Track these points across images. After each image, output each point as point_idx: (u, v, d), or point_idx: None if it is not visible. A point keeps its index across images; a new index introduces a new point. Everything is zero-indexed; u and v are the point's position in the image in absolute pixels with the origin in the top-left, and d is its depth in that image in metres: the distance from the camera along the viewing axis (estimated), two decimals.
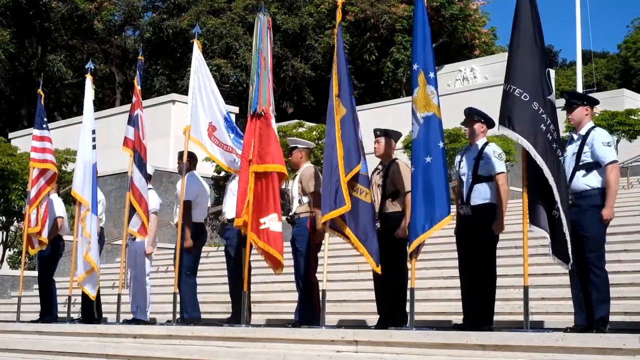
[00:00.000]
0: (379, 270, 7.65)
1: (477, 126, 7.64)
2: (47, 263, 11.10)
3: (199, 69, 9.50)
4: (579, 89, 32.35)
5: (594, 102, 7.29)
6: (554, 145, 6.52)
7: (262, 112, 8.39)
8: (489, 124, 7.69)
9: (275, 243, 8.14)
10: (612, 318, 8.25)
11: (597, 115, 26.43)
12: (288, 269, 11.35)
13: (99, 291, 10.41)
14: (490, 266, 7.51)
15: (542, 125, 6.48)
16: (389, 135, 8.22)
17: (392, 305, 7.98)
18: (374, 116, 29.02)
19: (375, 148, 8.22)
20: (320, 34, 35.38)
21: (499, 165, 7.38)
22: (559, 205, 6.36)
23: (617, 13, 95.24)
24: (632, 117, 25.49)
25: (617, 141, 25.99)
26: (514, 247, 11.26)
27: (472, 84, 30.91)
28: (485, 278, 7.53)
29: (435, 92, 7.23)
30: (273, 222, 8.13)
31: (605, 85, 47.21)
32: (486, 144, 7.59)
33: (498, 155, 7.45)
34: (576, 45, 32.71)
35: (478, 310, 7.38)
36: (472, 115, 7.68)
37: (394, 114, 27.59)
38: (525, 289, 6.54)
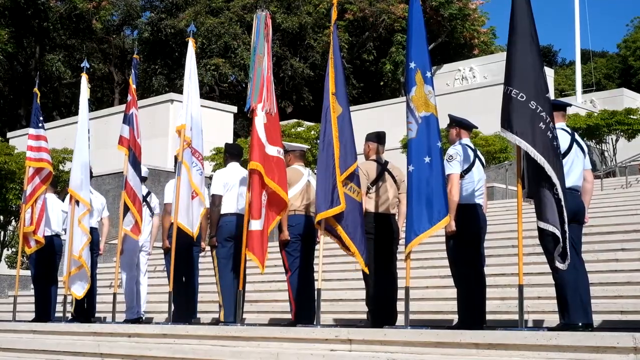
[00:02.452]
0: (367, 269, 7.71)
1: (451, 131, 7.87)
2: (41, 263, 11.10)
3: (194, 68, 9.47)
4: (579, 88, 32.41)
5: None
6: (554, 143, 6.50)
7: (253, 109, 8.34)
8: (463, 127, 7.85)
9: (251, 243, 8.09)
10: (608, 317, 8.26)
11: (596, 114, 26.47)
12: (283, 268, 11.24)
13: (94, 291, 10.47)
14: (455, 265, 7.62)
15: (542, 123, 6.44)
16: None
17: (394, 304, 8.08)
18: (372, 116, 29.05)
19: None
20: (319, 34, 35.38)
21: (447, 168, 7.43)
22: (563, 202, 6.37)
23: (617, 12, 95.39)
24: (631, 116, 25.53)
25: (616, 140, 26.02)
26: (510, 246, 11.27)
27: (471, 84, 30.94)
28: (454, 277, 7.69)
29: (432, 91, 7.19)
30: (252, 221, 8.09)
31: (605, 84, 47.24)
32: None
33: (448, 157, 7.53)
34: (575, 44, 32.83)
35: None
36: (450, 121, 7.93)
37: (392, 114, 27.60)
38: (520, 287, 6.50)
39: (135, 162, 9.81)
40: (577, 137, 7.31)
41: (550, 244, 6.50)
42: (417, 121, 7.11)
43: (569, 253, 6.43)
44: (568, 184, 6.90)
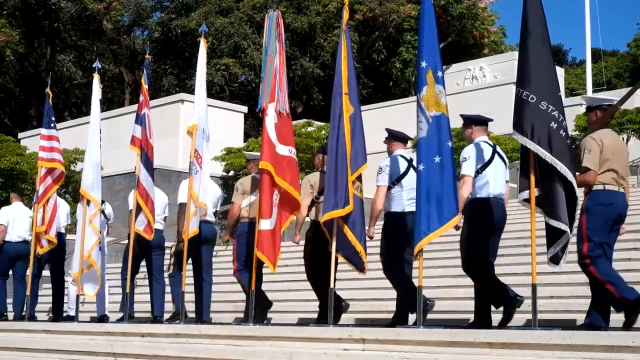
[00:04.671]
0: (365, 271, 7.89)
1: (467, 131, 7.88)
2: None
3: (204, 68, 9.47)
4: (589, 87, 32.33)
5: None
6: (568, 141, 6.52)
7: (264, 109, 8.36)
8: (477, 123, 7.83)
9: (261, 243, 8.09)
10: (622, 316, 8.22)
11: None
12: (297, 268, 11.32)
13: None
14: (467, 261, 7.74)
15: (553, 122, 6.43)
16: None
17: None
18: (382, 115, 29.02)
19: None
20: (329, 33, 35.37)
21: (461, 169, 7.54)
22: (577, 200, 6.42)
23: (627, 11, 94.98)
24: None
25: (627, 140, 25.92)
26: (522, 246, 11.25)
27: (481, 83, 30.86)
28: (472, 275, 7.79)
29: (443, 91, 7.18)
30: (262, 221, 8.12)
31: (615, 83, 47.03)
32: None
33: (462, 159, 7.60)
34: (586, 43, 32.65)
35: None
36: (464, 121, 7.97)
37: (402, 114, 27.56)
38: (534, 287, 6.50)
39: (147, 162, 9.84)
40: (498, 149, 7.69)
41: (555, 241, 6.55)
42: (427, 120, 7.11)
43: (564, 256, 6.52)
44: (494, 192, 7.42)
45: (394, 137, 8.27)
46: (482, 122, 7.86)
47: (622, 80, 48.57)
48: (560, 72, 32.21)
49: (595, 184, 6.76)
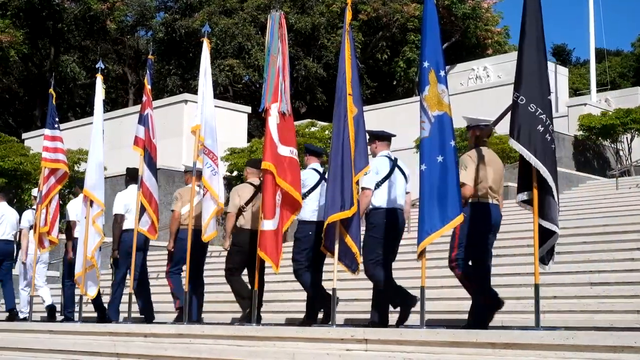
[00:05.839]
0: (358, 272, 7.94)
1: (371, 146, 8.30)
2: None
3: (208, 68, 9.47)
4: (593, 87, 32.25)
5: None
6: (552, 146, 6.55)
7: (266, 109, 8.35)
8: (381, 139, 8.33)
9: (264, 243, 8.11)
10: (625, 317, 8.23)
11: (611, 113, 26.34)
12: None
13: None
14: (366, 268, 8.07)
15: (540, 126, 6.48)
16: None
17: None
18: (386, 115, 29.00)
19: None
20: (333, 34, 35.36)
21: (362, 181, 7.98)
22: (557, 205, 6.46)
23: (631, 11, 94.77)
24: None
25: (631, 139, 25.88)
26: (525, 246, 11.23)
27: (485, 83, 30.84)
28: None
29: (445, 90, 7.17)
30: (265, 221, 8.13)
31: (619, 83, 46.95)
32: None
33: (365, 172, 8.01)
34: (589, 43, 32.53)
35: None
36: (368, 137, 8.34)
37: (406, 114, 27.55)
38: (537, 287, 6.49)
39: (150, 163, 9.86)
40: (399, 162, 8.23)
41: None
42: (430, 120, 7.11)
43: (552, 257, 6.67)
44: (393, 202, 7.91)
45: (376, 137, 8.37)
46: (385, 137, 8.34)
47: (626, 80, 48.49)
48: (564, 72, 32.18)
49: (472, 197, 7.35)
